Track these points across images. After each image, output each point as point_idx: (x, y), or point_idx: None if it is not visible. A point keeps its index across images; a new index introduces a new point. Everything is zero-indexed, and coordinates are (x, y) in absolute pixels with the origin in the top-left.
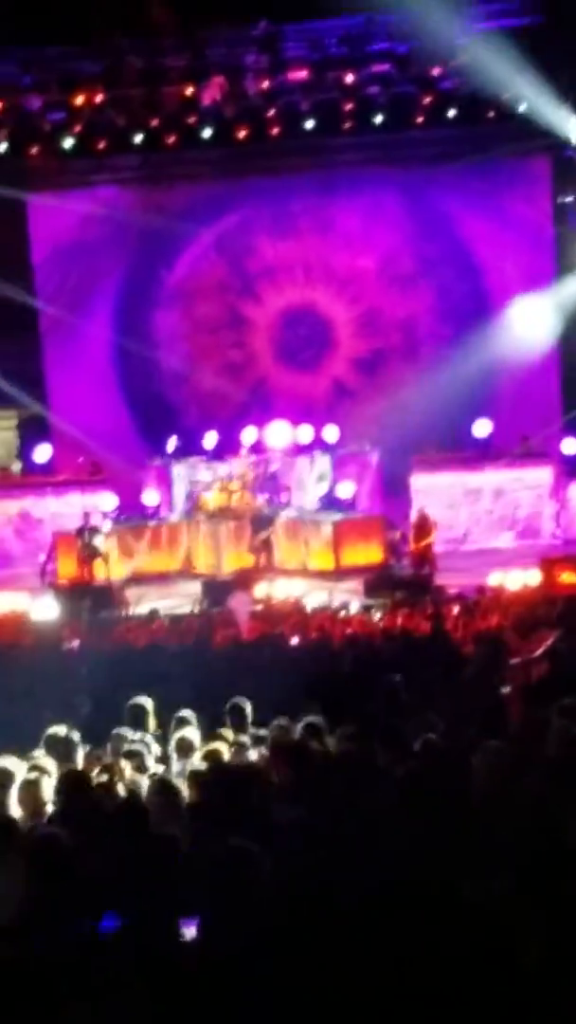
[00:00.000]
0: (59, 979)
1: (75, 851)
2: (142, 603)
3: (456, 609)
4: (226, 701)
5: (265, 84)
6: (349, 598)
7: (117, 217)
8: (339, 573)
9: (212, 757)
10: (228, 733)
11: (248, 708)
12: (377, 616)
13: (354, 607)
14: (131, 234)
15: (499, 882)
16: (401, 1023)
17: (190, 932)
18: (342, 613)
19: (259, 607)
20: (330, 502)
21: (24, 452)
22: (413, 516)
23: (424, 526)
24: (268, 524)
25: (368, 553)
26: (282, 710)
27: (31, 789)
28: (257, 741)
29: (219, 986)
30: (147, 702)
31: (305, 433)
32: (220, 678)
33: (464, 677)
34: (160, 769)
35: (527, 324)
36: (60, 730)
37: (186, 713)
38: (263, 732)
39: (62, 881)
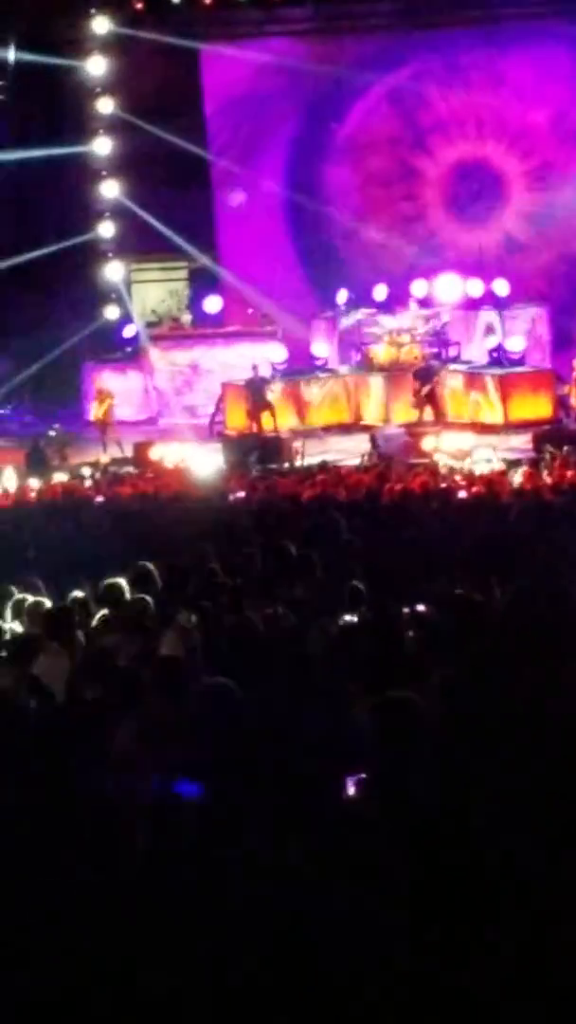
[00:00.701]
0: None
1: (243, 702)
2: (310, 455)
3: None
4: (393, 555)
5: None
6: (517, 453)
7: (289, 69)
8: (508, 427)
9: (378, 609)
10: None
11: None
12: (546, 471)
13: (522, 462)
14: (303, 86)
15: None
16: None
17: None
18: (511, 468)
19: (416, 444)
20: (500, 356)
21: (194, 303)
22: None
23: None
24: (432, 377)
25: (537, 407)
26: (446, 562)
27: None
28: (421, 596)
29: (379, 838)
30: (314, 554)
31: (475, 287)
32: (387, 530)
33: None
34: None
35: None
36: (226, 581)
37: (353, 565)
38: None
39: (229, 730)
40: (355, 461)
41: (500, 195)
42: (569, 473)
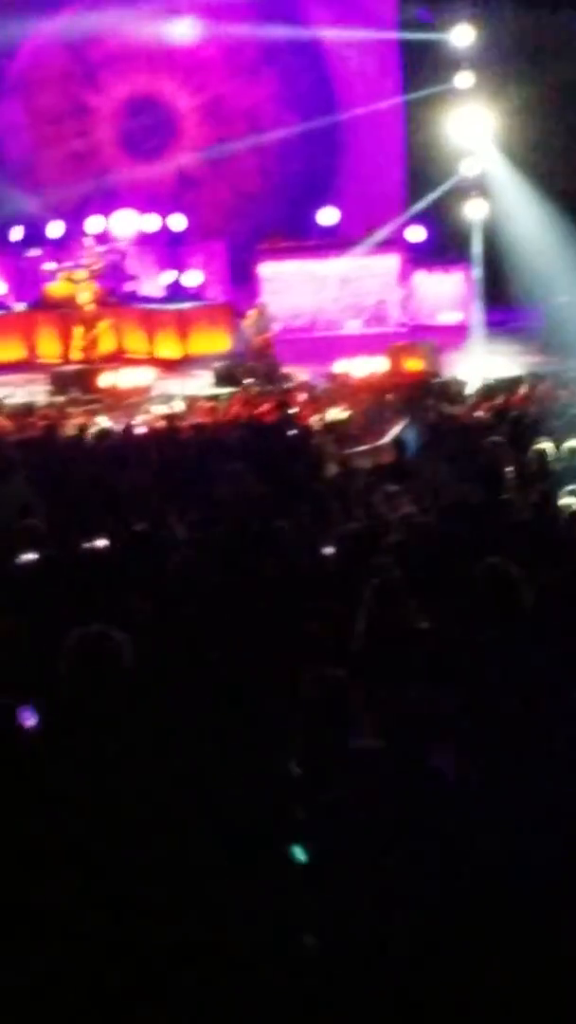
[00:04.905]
0: None
1: None
2: None
3: (303, 397)
4: (75, 492)
5: None
6: (197, 387)
7: None
8: (186, 362)
9: (59, 546)
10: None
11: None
12: (224, 405)
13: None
14: None
15: None
16: None
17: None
18: (187, 403)
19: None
20: (177, 291)
21: None
22: (251, 310)
23: (262, 319)
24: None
25: (215, 341)
26: (129, 500)
27: None
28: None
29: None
30: None
31: (151, 222)
32: (66, 467)
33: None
34: None
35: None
36: None
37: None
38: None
39: None
40: (32, 399)
41: (174, 130)
42: (246, 408)
